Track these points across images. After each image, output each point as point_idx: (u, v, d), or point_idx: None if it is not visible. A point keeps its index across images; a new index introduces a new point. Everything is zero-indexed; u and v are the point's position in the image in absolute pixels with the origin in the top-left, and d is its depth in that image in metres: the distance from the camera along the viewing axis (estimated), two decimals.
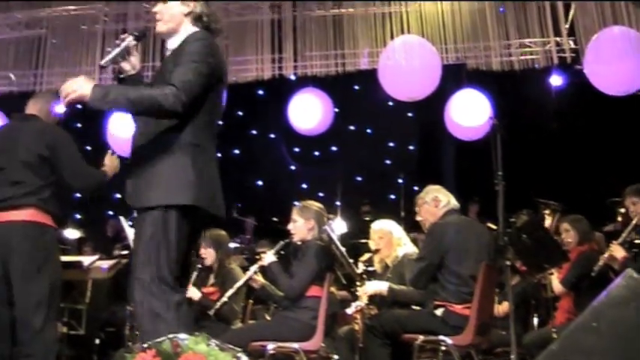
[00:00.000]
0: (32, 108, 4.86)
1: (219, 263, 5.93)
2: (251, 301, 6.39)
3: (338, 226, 6.03)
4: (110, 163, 4.87)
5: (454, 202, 5.47)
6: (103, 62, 3.68)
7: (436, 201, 5.47)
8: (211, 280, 5.91)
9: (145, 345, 2.84)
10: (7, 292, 4.43)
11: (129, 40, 3.70)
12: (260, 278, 5.61)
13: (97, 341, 6.94)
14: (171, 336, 2.83)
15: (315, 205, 5.58)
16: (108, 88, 3.47)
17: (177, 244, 3.46)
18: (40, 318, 4.36)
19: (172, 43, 3.71)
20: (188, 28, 3.69)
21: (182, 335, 2.85)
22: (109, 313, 7.25)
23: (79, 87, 3.37)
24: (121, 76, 3.72)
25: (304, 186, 12.05)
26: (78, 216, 10.43)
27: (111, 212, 10.75)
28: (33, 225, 4.45)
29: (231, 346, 2.92)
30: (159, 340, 2.82)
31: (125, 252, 6.21)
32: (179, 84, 3.39)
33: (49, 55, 8.27)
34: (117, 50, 3.63)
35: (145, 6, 8.12)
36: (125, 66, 3.72)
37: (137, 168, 3.50)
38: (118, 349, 6.35)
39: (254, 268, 5.57)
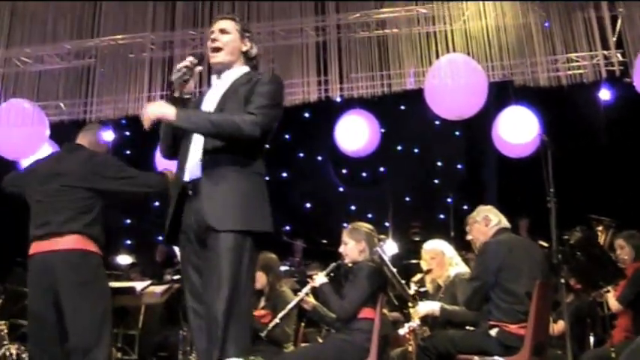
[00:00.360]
0: (81, 138, 4.97)
1: (270, 286, 5.94)
2: (303, 323, 6.38)
3: (389, 247, 6.01)
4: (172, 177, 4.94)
5: (505, 222, 5.43)
6: (173, 78, 3.76)
7: (487, 220, 5.44)
8: (262, 303, 5.92)
9: None
10: (58, 319, 4.49)
11: (191, 61, 3.78)
12: (312, 299, 5.61)
13: None
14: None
15: (366, 226, 5.57)
16: (190, 111, 3.65)
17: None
18: (92, 344, 4.41)
19: (227, 76, 3.82)
20: (241, 65, 3.87)
21: (249, 356, 2.86)
22: (162, 338, 7.30)
23: (162, 108, 3.56)
24: (185, 96, 3.79)
25: (353, 207, 12.03)
26: (128, 242, 10.55)
27: (160, 237, 10.85)
28: (77, 252, 4.52)
29: None
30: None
31: (177, 277, 6.24)
32: (258, 113, 3.60)
33: (98, 84, 8.38)
34: (184, 70, 3.74)
35: (191, 33, 8.22)
36: (188, 86, 3.81)
37: (211, 190, 3.57)
38: None
39: (306, 289, 5.57)
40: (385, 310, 5.81)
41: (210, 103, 3.78)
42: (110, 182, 4.69)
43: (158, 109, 3.58)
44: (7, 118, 8.18)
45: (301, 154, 12.64)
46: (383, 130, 9.22)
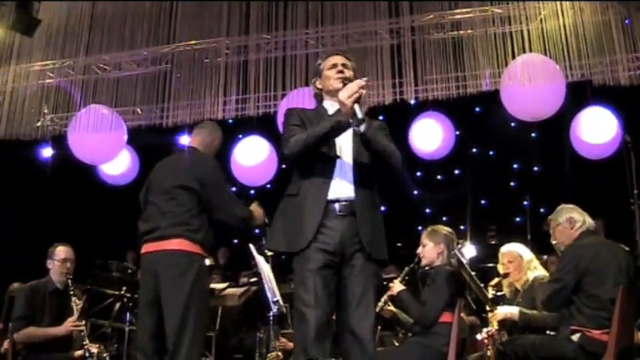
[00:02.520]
0: (193, 140, 5.07)
1: None
2: (379, 327, 6.34)
3: (467, 251, 5.94)
4: (257, 213, 4.99)
5: (590, 221, 5.21)
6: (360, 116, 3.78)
7: (571, 222, 5.23)
8: None
9: None
10: (159, 319, 4.58)
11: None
12: (391, 308, 5.58)
13: None
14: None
15: (445, 229, 5.52)
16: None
17: None
18: (185, 344, 4.47)
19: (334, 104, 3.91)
20: None
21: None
22: (238, 340, 7.35)
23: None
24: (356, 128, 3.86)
25: (428, 211, 11.93)
26: None
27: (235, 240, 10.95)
28: (181, 254, 4.60)
29: None
30: None
31: (253, 279, 6.29)
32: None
33: (174, 89, 8.50)
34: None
35: (265, 37, 8.27)
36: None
37: (366, 217, 3.82)
38: None
39: (384, 298, 5.54)
40: (462, 314, 5.74)
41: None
42: (208, 194, 4.76)
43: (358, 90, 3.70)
44: (87, 123, 8.36)
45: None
46: (458, 133, 9.13)
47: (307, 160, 3.89)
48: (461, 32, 7.98)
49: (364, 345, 3.67)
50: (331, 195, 3.80)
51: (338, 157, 3.86)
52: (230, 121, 8.67)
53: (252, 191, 9.70)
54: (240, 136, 9.25)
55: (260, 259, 5.62)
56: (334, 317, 3.83)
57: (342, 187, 3.82)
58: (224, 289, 5.59)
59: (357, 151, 3.87)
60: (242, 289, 5.93)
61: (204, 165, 4.90)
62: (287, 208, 3.93)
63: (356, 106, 3.70)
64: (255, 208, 5.03)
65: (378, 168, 3.90)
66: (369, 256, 3.76)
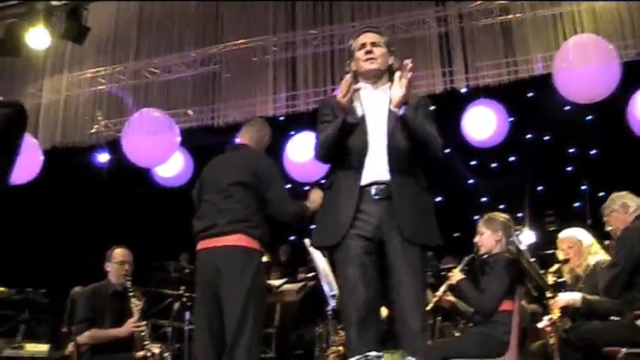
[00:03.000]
0: (242, 137, 5.07)
1: None
2: (439, 317, 6.28)
3: (526, 237, 5.84)
4: (315, 198, 4.97)
5: None
6: (359, 115, 3.79)
7: (625, 207, 5.19)
8: None
9: None
10: (218, 314, 4.61)
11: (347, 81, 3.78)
12: (450, 297, 5.52)
13: None
14: (366, 355, 2.81)
15: (502, 215, 5.43)
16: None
17: None
18: (245, 339, 4.49)
19: (384, 89, 3.90)
20: (386, 77, 3.96)
21: (376, 353, 2.83)
22: (297, 336, 7.36)
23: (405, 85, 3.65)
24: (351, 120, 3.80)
25: (484, 199, 11.79)
26: None
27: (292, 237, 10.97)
28: (240, 249, 4.61)
29: None
30: (355, 357, 2.81)
31: (310, 275, 6.28)
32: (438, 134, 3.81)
33: (224, 89, 8.55)
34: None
35: (312, 32, 8.25)
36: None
37: (405, 199, 3.72)
38: None
39: (443, 288, 5.48)
40: (523, 302, 5.65)
41: (376, 113, 3.85)
42: (264, 189, 4.77)
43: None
44: (140, 127, 8.46)
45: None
46: (511, 119, 9.01)
47: (338, 151, 3.86)
48: (509, 17, 7.83)
49: (412, 331, 3.59)
50: (365, 180, 3.75)
51: (369, 141, 3.79)
52: (281, 118, 8.69)
53: (306, 187, 9.71)
54: (292, 132, 9.26)
55: (316, 254, 5.60)
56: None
57: (376, 171, 3.75)
58: (282, 285, 5.59)
59: (391, 133, 3.78)
60: (299, 285, 5.92)
61: (259, 160, 4.91)
62: (324, 202, 3.94)
63: (354, 117, 3.72)
64: (315, 192, 5.01)
65: (417, 151, 3.80)
66: (410, 240, 3.67)
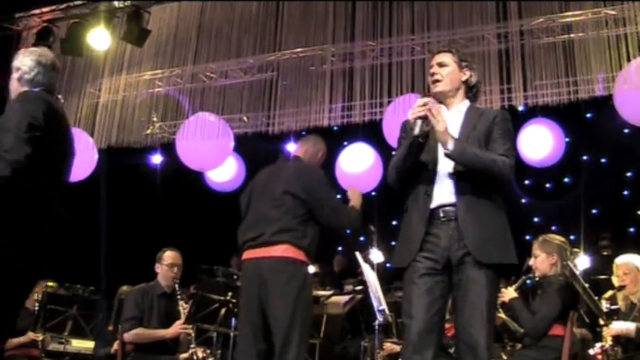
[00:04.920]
0: (298, 150, 5.08)
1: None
2: None
3: (580, 262, 5.74)
4: (354, 196, 4.96)
5: None
6: (416, 133, 3.74)
7: None
8: (447, 316, 5.78)
9: None
10: (263, 324, 4.60)
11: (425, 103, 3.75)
12: (501, 314, 5.43)
13: None
14: None
15: (558, 238, 5.34)
16: (464, 143, 3.69)
17: None
18: (292, 352, 4.46)
19: (457, 108, 3.89)
20: (462, 94, 3.93)
21: None
22: (342, 348, 7.32)
23: (441, 120, 3.63)
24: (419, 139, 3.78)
25: (536, 219, 11.62)
26: None
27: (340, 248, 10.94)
28: (287, 261, 4.59)
29: None
30: None
31: (359, 287, 6.24)
32: (510, 155, 3.74)
33: (280, 97, 8.55)
34: (420, 122, 3.72)
35: (370, 44, 8.22)
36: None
37: (472, 220, 3.65)
38: None
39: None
40: (574, 328, 5.53)
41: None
42: (316, 204, 4.74)
43: (436, 116, 3.63)
44: (194, 130, 8.51)
45: None
46: (568, 139, 8.86)
47: (410, 171, 3.84)
48: (572, 35, 7.69)
49: (476, 354, 3.54)
50: (434, 203, 3.72)
51: (438, 164, 3.76)
52: (335, 128, 8.66)
53: None
54: (346, 143, 9.23)
55: (366, 267, 5.56)
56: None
57: (443, 194, 3.72)
58: (329, 296, 5.56)
59: None
60: (347, 297, 5.88)
61: (311, 174, 4.88)
62: (401, 225, 3.91)
63: (417, 122, 3.67)
64: (352, 190, 5.00)
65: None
66: (478, 260, 3.60)
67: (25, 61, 4.01)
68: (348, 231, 5.05)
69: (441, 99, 3.91)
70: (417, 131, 3.70)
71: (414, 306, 3.66)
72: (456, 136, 3.75)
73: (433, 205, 3.72)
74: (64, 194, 4.09)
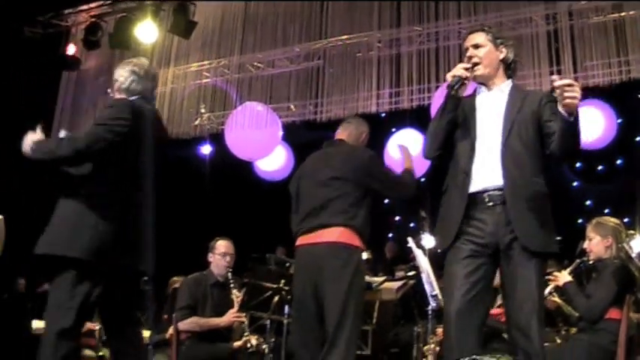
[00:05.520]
0: (341, 133, 5.08)
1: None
2: None
3: (636, 244, 5.65)
4: (405, 155, 4.98)
5: None
6: (450, 82, 3.77)
7: None
8: (498, 301, 5.75)
9: None
10: (318, 311, 4.62)
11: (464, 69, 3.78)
12: (556, 299, 5.38)
13: None
14: (472, 357, 2.75)
15: (612, 220, 5.26)
16: None
17: None
18: (344, 337, 4.48)
19: (499, 89, 3.84)
20: (503, 73, 3.88)
21: (483, 357, 2.77)
22: (394, 334, 7.31)
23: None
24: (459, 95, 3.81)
25: (589, 203, 11.46)
26: None
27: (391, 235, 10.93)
28: (341, 246, 4.60)
29: None
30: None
31: (411, 273, 6.23)
32: None
33: (327, 85, 8.54)
34: (457, 79, 3.75)
35: (417, 29, 8.16)
36: (462, 89, 3.82)
37: (521, 205, 3.60)
38: None
39: (549, 288, 5.34)
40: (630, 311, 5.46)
41: (489, 116, 3.79)
42: (374, 182, 4.76)
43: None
44: (242, 120, 8.56)
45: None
46: (620, 121, 8.72)
47: (449, 153, 3.82)
48: (622, 14, 7.55)
49: (528, 338, 3.51)
50: (476, 186, 3.68)
51: (477, 145, 3.73)
52: (383, 114, 8.63)
53: None
54: (394, 129, 9.20)
55: (418, 253, 5.55)
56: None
57: (486, 175, 3.67)
58: (382, 282, 5.56)
59: (507, 136, 3.69)
60: (399, 283, 5.88)
61: (361, 154, 4.88)
62: (440, 206, 3.87)
63: (455, 79, 3.70)
64: (403, 151, 5.03)
65: (535, 154, 3.69)
66: (527, 247, 3.55)
67: (120, 72, 4.26)
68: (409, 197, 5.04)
69: (482, 81, 3.87)
70: (451, 80, 3.71)
71: (455, 286, 3.64)
72: (502, 118, 3.71)
73: (476, 188, 3.68)
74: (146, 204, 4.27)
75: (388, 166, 4.99)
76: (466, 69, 3.75)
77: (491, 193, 3.65)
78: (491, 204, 3.65)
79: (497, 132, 3.71)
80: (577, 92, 3.44)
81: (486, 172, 3.67)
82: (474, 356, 2.86)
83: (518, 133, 3.68)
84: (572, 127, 3.53)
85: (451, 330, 3.61)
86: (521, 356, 3.51)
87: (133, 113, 4.07)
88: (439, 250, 3.89)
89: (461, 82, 3.74)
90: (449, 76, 3.75)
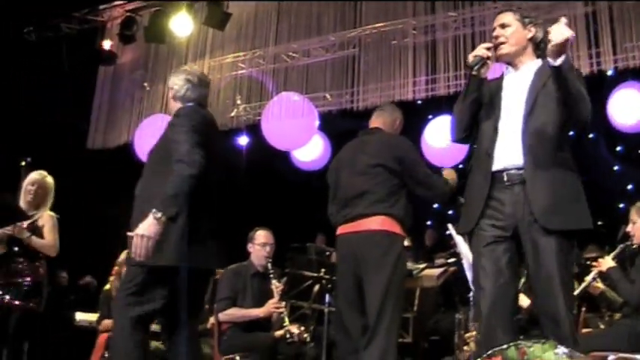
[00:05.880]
0: (375, 121, 5.07)
1: None
2: (583, 308, 6.07)
3: None
4: (450, 177, 4.93)
5: None
6: (470, 62, 3.74)
7: None
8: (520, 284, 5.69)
9: (490, 352, 2.78)
10: (358, 298, 4.62)
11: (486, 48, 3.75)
12: (599, 285, 5.32)
13: (423, 349, 7.03)
14: (517, 343, 2.73)
15: None
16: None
17: None
18: (385, 324, 4.48)
19: (526, 67, 3.76)
20: (531, 52, 3.79)
21: (527, 342, 2.74)
22: (434, 322, 7.29)
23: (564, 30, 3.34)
24: (482, 76, 3.78)
25: (630, 187, 11.28)
26: None
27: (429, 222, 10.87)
28: (383, 234, 4.60)
29: (580, 355, 2.77)
30: (504, 347, 2.74)
31: (452, 260, 6.20)
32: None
33: (363, 73, 8.52)
34: (479, 59, 3.71)
35: (452, 15, 8.11)
36: (484, 69, 3.78)
37: (540, 183, 3.52)
38: (442, 357, 6.42)
39: (592, 274, 5.29)
40: None
41: (513, 94, 3.73)
42: (409, 173, 4.74)
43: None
44: (279, 111, 8.56)
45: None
46: None
47: (476, 133, 3.79)
48: None
49: (557, 323, 3.41)
50: (497, 165, 3.61)
51: (500, 126, 3.67)
52: (419, 101, 8.58)
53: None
54: (430, 116, 9.14)
55: (459, 239, 5.52)
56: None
57: (508, 155, 3.60)
58: (422, 269, 5.54)
59: (529, 113, 3.61)
60: (440, 270, 5.85)
61: (401, 143, 4.87)
62: (466, 188, 3.84)
63: (476, 59, 3.67)
64: (448, 172, 4.98)
65: (560, 127, 3.58)
66: (546, 226, 3.45)
67: (175, 80, 4.32)
68: (436, 202, 5.02)
69: (509, 61, 3.81)
70: (472, 61, 3.68)
71: (481, 277, 3.61)
72: (525, 95, 3.64)
73: (497, 167, 3.62)
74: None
75: (425, 162, 4.94)
76: (488, 48, 3.71)
77: (510, 172, 3.59)
78: (509, 183, 3.59)
79: (520, 110, 3.65)
80: (562, 31, 3.31)
81: (508, 151, 3.61)
82: (519, 341, 2.83)
83: (543, 107, 3.59)
84: (559, 74, 3.38)
85: (486, 320, 3.57)
86: (553, 340, 3.37)
87: (203, 119, 4.15)
88: (463, 233, 3.85)
89: (482, 62, 3.69)
90: (470, 57, 3.72)
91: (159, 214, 3.76)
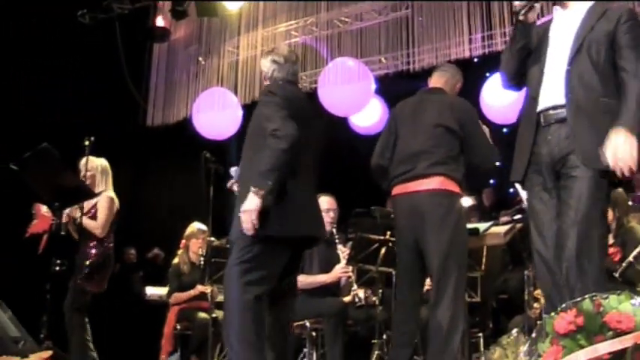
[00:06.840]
0: (437, 81, 5.02)
1: (617, 222, 5.62)
2: None
3: None
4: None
5: None
6: (517, 7, 3.68)
7: None
8: (610, 239, 5.60)
9: (564, 305, 2.74)
10: (420, 259, 4.62)
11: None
12: None
13: (492, 308, 7.00)
14: (592, 295, 2.69)
15: None
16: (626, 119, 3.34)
17: None
18: (451, 285, 4.46)
19: (575, 5, 3.66)
20: None
21: (603, 294, 2.70)
22: (502, 281, 7.24)
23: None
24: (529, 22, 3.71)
25: None
26: None
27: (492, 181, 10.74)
28: (443, 193, 4.58)
29: None
30: (579, 299, 2.70)
31: (518, 216, 6.14)
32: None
33: (417, 34, 8.39)
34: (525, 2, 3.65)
35: None
36: (532, 15, 3.71)
37: (582, 120, 3.44)
38: (512, 316, 6.37)
39: None
40: None
41: (561, 36, 3.63)
42: (469, 138, 4.71)
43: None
44: (335, 77, 8.52)
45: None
46: None
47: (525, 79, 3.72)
48: None
49: (580, 270, 3.28)
50: (541, 106, 3.55)
51: (546, 67, 3.60)
52: (476, 59, 8.45)
53: (505, 130, 9.44)
54: (488, 74, 9.00)
55: (525, 195, 5.46)
56: None
57: (551, 95, 3.53)
58: (488, 228, 5.49)
59: (574, 53, 3.51)
60: (507, 227, 5.79)
61: (465, 107, 4.84)
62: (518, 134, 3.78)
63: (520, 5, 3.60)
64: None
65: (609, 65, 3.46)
66: (584, 163, 3.37)
67: (264, 63, 4.52)
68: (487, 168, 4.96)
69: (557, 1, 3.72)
70: (517, 6, 3.62)
71: (535, 227, 3.57)
72: (571, 39, 3.54)
73: (539, 108, 3.56)
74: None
75: (481, 129, 4.87)
76: None
77: (549, 112, 3.53)
78: (544, 124, 3.54)
79: (566, 52, 3.55)
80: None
81: (550, 93, 3.54)
82: (594, 294, 2.77)
83: (588, 52, 3.48)
84: None
85: (539, 276, 3.58)
86: (566, 295, 3.26)
87: (286, 93, 4.26)
88: (512, 180, 3.80)
89: (528, 6, 3.62)
90: (516, 3, 3.64)
91: (256, 189, 3.91)
